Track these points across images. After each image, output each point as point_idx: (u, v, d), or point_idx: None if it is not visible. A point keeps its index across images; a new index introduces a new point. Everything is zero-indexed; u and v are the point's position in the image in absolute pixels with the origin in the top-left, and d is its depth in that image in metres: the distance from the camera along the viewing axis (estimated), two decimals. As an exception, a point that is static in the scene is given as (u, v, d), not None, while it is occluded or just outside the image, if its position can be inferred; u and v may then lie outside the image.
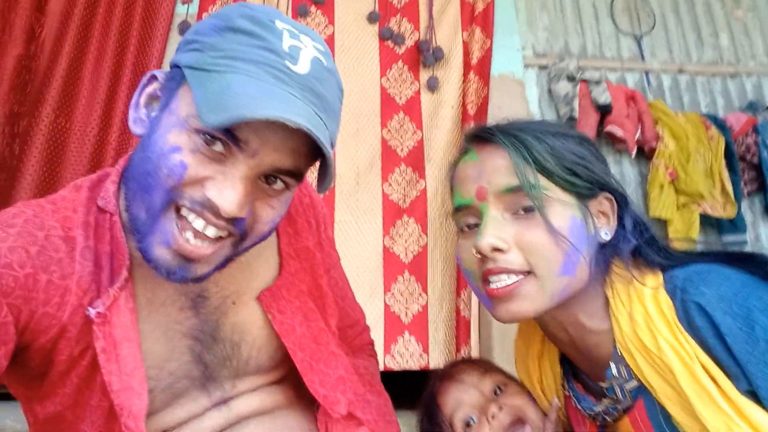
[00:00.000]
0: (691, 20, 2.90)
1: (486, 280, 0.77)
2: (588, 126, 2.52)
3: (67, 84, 2.15)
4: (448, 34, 2.53)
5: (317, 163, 0.68)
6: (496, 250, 0.74)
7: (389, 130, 2.40)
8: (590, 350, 0.81)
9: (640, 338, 0.73)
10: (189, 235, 0.63)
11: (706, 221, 2.56)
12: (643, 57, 2.79)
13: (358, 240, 2.27)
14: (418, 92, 2.46)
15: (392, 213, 2.32)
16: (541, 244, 0.73)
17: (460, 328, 2.27)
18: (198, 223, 0.63)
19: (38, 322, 0.63)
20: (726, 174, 2.61)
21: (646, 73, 2.77)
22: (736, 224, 2.58)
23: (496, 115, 2.52)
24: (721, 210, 2.54)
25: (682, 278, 0.73)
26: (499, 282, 0.75)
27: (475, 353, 2.31)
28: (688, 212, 2.56)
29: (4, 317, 0.60)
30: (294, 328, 0.79)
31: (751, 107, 2.79)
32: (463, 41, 2.53)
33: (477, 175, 0.79)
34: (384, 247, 2.28)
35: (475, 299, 2.38)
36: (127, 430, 0.63)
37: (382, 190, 2.33)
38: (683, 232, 2.54)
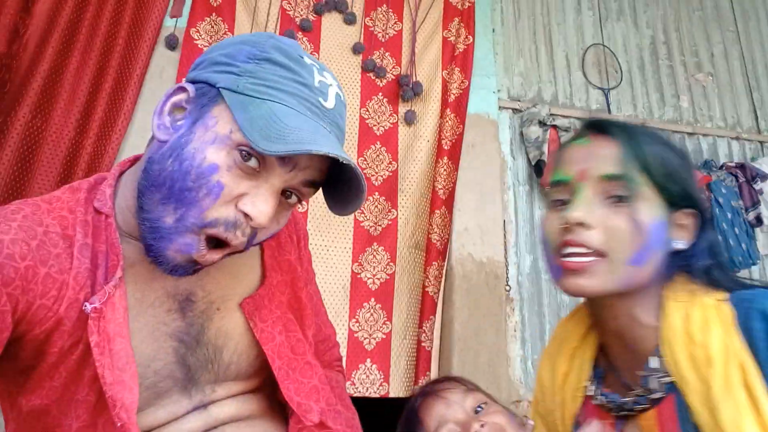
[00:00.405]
0: (655, 80, 3.08)
1: (561, 253, 0.82)
2: (555, 170, 2.63)
3: (46, 86, 2.14)
4: (429, 71, 2.62)
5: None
6: (582, 224, 0.80)
7: (365, 159, 2.46)
8: (634, 342, 0.85)
9: (690, 333, 0.77)
10: (211, 252, 0.69)
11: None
12: (609, 109, 2.94)
13: (327, 264, 2.29)
14: (396, 124, 2.53)
15: (363, 240, 2.35)
16: (622, 232, 0.79)
17: (420, 358, 2.30)
18: (226, 236, 0.68)
19: (35, 314, 0.65)
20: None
21: (612, 125, 2.92)
22: (687, 275, 2.70)
23: (469, 153, 2.61)
24: (675, 260, 2.67)
25: (750, 293, 0.78)
26: (574, 257, 0.81)
27: (433, 384, 2.34)
28: (644, 260, 2.67)
29: (3, 306, 0.61)
30: (274, 337, 0.82)
31: (706, 166, 2.95)
32: (443, 79, 2.63)
33: (583, 158, 0.84)
34: (352, 272, 2.31)
35: (437, 331, 2.42)
36: (119, 422, 0.64)
37: (354, 216, 2.37)
38: (638, 278, 2.65)
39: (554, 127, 2.70)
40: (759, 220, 2.83)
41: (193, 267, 0.70)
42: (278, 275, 0.88)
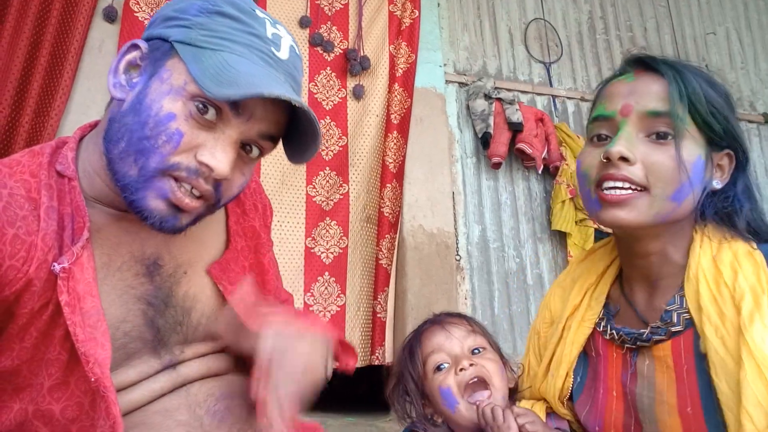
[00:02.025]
0: (593, 54, 3.19)
1: (600, 186, 0.83)
2: (501, 142, 2.71)
3: (-23, 60, 2.03)
4: (376, 46, 2.63)
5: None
6: (623, 159, 0.81)
7: (316, 134, 2.46)
8: (660, 278, 0.87)
9: (718, 271, 0.80)
10: (184, 191, 0.70)
11: (599, 236, 2.81)
12: (551, 83, 3.04)
13: (280, 239, 2.30)
14: (345, 99, 2.54)
15: (315, 214, 2.37)
16: (665, 168, 0.80)
17: (375, 329, 2.35)
18: (187, 187, 0.70)
19: (4, 275, 0.65)
20: (618, 194, 2.89)
21: (554, 98, 3.02)
22: (624, 240, 2.85)
23: (417, 126, 2.65)
24: (613, 227, 2.81)
25: None
26: (615, 190, 0.82)
27: (389, 355, 2.40)
28: (585, 227, 2.80)
29: None
30: (243, 296, 0.84)
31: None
32: (390, 53, 2.65)
33: (627, 93, 0.84)
34: (306, 247, 2.32)
35: (391, 302, 2.48)
36: (93, 377, 0.65)
37: (306, 191, 2.38)
38: (580, 244, 2.78)
39: (499, 100, 2.77)
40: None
41: (178, 218, 0.71)
42: (242, 240, 0.90)
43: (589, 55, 3.18)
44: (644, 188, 0.81)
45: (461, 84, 2.85)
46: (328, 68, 2.55)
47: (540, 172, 2.82)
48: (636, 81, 0.85)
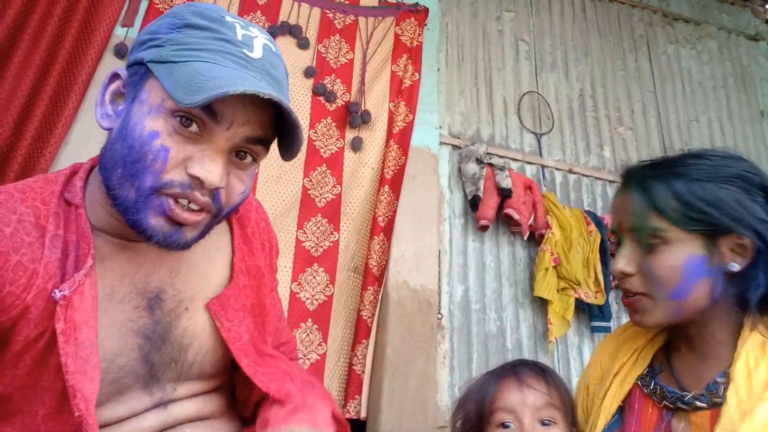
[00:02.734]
0: (582, 129, 3.32)
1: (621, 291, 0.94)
2: (489, 206, 2.77)
3: (-16, 82, 2.06)
4: (377, 101, 2.72)
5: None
6: (624, 274, 0.91)
7: (311, 180, 2.50)
8: (705, 354, 0.90)
9: (751, 380, 0.82)
10: (181, 206, 0.70)
11: (580, 306, 2.84)
12: (541, 153, 3.13)
13: (266, 281, 2.29)
14: (342, 149, 2.60)
15: (303, 260, 2.38)
16: (657, 275, 0.87)
17: (351, 382, 2.33)
18: (184, 202, 0.70)
19: (3, 301, 0.65)
20: (599, 266, 2.94)
21: (543, 168, 3.11)
22: (603, 312, 2.89)
23: (409, 183, 2.70)
24: (593, 298, 2.85)
25: None
26: (627, 295, 0.92)
27: (363, 409, 2.36)
28: (566, 296, 2.84)
29: None
30: (240, 336, 0.83)
31: (624, 211, 3.19)
32: (389, 110, 2.73)
33: (619, 211, 0.94)
34: (291, 292, 2.32)
35: (370, 355, 2.46)
36: (78, 412, 0.64)
37: (296, 236, 2.40)
38: (560, 313, 2.81)
39: (490, 165, 2.85)
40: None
41: (182, 232, 0.71)
42: (246, 279, 0.89)
43: (579, 129, 3.30)
44: (645, 294, 0.90)
45: (455, 146, 2.93)
46: (329, 118, 2.62)
47: (525, 238, 2.87)
48: (622, 197, 0.94)
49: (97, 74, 2.30)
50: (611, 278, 2.99)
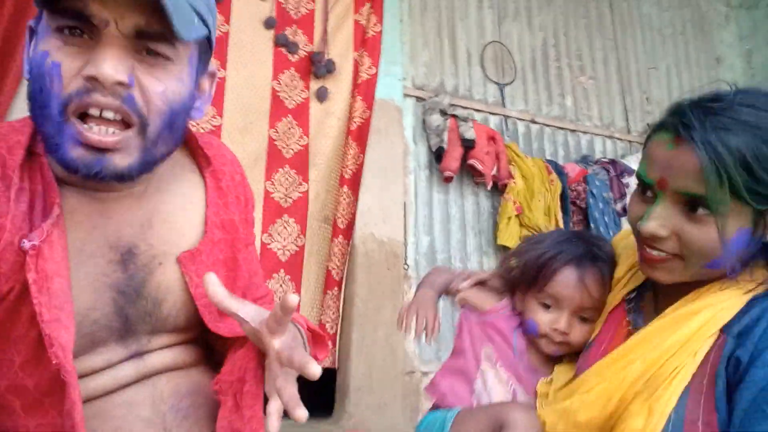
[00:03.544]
0: (545, 79, 3.34)
1: (642, 242, 0.84)
2: (453, 157, 2.79)
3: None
4: (341, 51, 2.68)
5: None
6: (656, 237, 0.80)
7: (277, 131, 2.47)
8: (690, 287, 0.85)
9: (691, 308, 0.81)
10: (92, 125, 0.66)
11: (542, 253, 2.92)
12: (504, 104, 3.15)
13: (234, 236, 2.29)
14: (308, 100, 2.57)
15: (273, 211, 2.38)
16: (699, 244, 0.78)
17: (322, 328, 2.38)
18: (93, 111, 0.66)
19: None
20: (560, 214, 3.03)
21: (505, 118, 3.14)
22: (564, 258, 2.99)
23: (374, 136, 2.70)
24: (555, 244, 2.94)
25: None
26: (653, 252, 0.82)
27: (334, 357, 2.43)
28: (529, 243, 2.92)
29: None
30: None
31: (584, 160, 3.26)
32: (354, 60, 2.70)
33: (666, 165, 0.80)
34: (262, 243, 2.32)
35: (339, 304, 2.51)
36: (56, 360, 0.64)
37: (265, 187, 2.39)
38: (523, 260, 2.90)
39: (454, 116, 2.86)
40: (625, 211, 3.18)
41: (107, 159, 0.67)
42: (219, 233, 0.87)
43: (541, 79, 3.32)
44: (680, 256, 0.81)
45: (419, 98, 2.93)
46: (293, 68, 2.58)
47: (489, 188, 2.92)
48: (674, 151, 0.79)
49: (46, 26, 2.20)
50: (571, 224, 3.09)
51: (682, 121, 0.79)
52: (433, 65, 3.04)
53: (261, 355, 0.78)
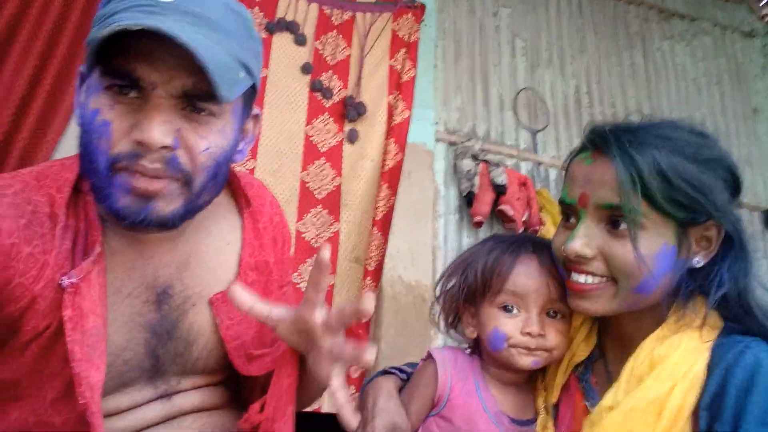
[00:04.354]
0: (577, 126, 3.33)
1: (569, 272, 0.81)
2: (484, 202, 2.79)
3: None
4: (374, 95, 2.73)
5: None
6: (581, 257, 0.77)
7: (309, 174, 2.52)
8: (631, 345, 0.81)
9: (651, 362, 0.76)
10: (139, 177, 0.68)
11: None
12: (536, 150, 3.15)
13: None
14: (341, 143, 2.62)
15: (303, 250, 2.39)
16: (624, 262, 0.75)
17: (347, 373, 2.35)
18: (135, 167, 0.68)
19: (12, 291, 0.65)
20: (592, 262, 2.98)
21: (537, 164, 3.13)
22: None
23: (405, 179, 2.72)
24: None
25: (748, 339, 0.74)
26: (580, 278, 0.79)
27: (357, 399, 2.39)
28: (559, 291, 2.87)
29: None
30: (238, 335, 0.83)
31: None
32: (388, 103, 2.74)
33: (584, 181, 0.80)
34: (293, 283, 2.33)
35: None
36: (83, 400, 0.64)
37: (296, 228, 2.42)
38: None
39: (485, 161, 2.87)
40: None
41: (152, 206, 0.68)
42: (254, 275, 0.87)
43: (574, 126, 3.32)
44: (610, 278, 0.78)
45: (450, 143, 2.94)
46: (326, 114, 2.63)
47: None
48: (592, 165, 0.80)
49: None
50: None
51: (600, 135, 0.80)
52: (466, 110, 3.07)
53: (291, 393, 0.78)
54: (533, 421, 0.92)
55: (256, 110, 0.84)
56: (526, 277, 0.90)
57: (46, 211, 0.70)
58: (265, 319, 0.73)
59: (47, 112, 2.17)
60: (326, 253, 0.67)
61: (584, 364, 0.91)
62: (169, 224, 0.72)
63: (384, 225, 2.59)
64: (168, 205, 0.70)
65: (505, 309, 0.90)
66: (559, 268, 0.86)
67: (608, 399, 0.77)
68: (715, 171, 0.78)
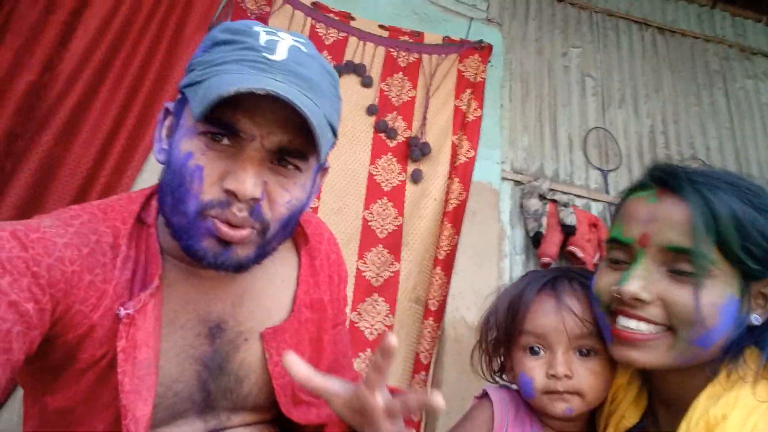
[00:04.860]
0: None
1: (614, 316, 0.74)
2: (552, 243, 2.70)
3: (73, 116, 2.22)
4: (438, 135, 2.73)
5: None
6: (638, 300, 0.71)
7: (371, 213, 2.53)
8: (683, 406, 0.74)
9: (707, 416, 0.69)
10: (225, 224, 0.69)
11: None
12: (607, 190, 3.04)
13: (324, 311, 2.31)
14: (404, 182, 2.62)
15: (363, 289, 2.38)
16: (686, 310, 0.69)
17: (408, 417, 2.28)
18: (225, 216, 0.69)
19: (71, 318, 0.67)
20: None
21: (609, 205, 3.01)
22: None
23: (469, 218, 2.68)
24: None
25: None
26: (630, 324, 0.72)
27: (417, 446, 2.31)
28: (634, 340, 2.70)
29: (44, 305, 0.64)
30: (286, 373, 0.82)
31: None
32: (452, 143, 2.74)
33: (648, 219, 0.74)
34: (350, 321, 2.32)
35: (427, 390, 2.41)
36: None
37: (357, 266, 2.42)
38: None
39: (553, 201, 2.79)
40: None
41: (231, 250, 0.70)
42: (308, 313, 0.87)
43: (647, 164, 3.18)
44: (667, 327, 0.72)
45: (516, 182, 2.89)
46: (390, 153, 2.65)
47: (590, 277, 2.77)
48: (658, 204, 0.74)
49: (174, 109, 2.43)
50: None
51: (668, 173, 0.74)
52: (533, 150, 3.02)
53: None
54: None
55: (327, 163, 0.87)
56: (544, 314, 0.84)
57: (110, 242, 0.72)
58: (320, 391, 0.71)
59: (128, 150, 2.30)
60: (393, 340, 0.64)
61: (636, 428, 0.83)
62: (243, 268, 0.73)
63: (447, 265, 2.54)
64: (243, 251, 0.72)
65: (532, 351, 0.85)
66: (595, 308, 0.79)
67: None
68: None
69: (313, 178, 0.79)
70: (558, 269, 0.93)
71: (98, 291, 0.69)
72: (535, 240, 2.73)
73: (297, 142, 0.70)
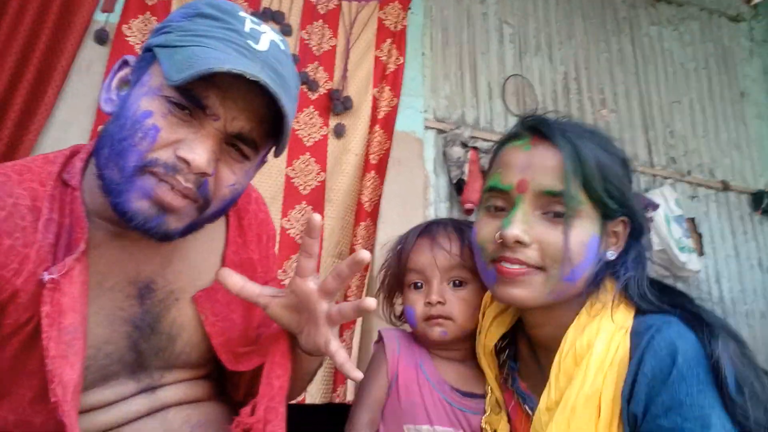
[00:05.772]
0: (566, 113, 3.33)
1: (497, 261, 0.80)
2: (475, 190, 2.78)
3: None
4: (360, 88, 2.70)
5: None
6: (519, 242, 0.77)
7: (294, 169, 2.50)
8: (555, 343, 0.82)
9: (575, 349, 0.78)
10: (166, 188, 0.69)
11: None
12: (525, 136, 3.15)
13: (252, 269, 2.30)
14: (326, 137, 2.59)
15: (288, 247, 2.38)
16: (559, 249, 0.76)
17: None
18: (168, 186, 0.69)
19: None
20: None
21: (527, 151, 3.13)
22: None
23: (394, 168, 2.71)
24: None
25: (658, 320, 0.75)
26: (511, 264, 0.78)
27: (349, 393, 2.39)
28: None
29: None
30: (223, 332, 0.84)
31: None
32: (373, 96, 2.72)
33: (524, 167, 0.79)
34: (277, 279, 2.32)
35: (356, 340, 2.48)
36: (54, 398, 0.63)
37: (281, 224, 2.40)
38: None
39: (475, 148, 2.86)
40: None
41: (164, 218, 0.70)
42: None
43: (563, 113, 3.31)
44: (540, 267, 0.79)
45: (439, 131, 2.94)
46: (312, 107, 2.61)
47: (510, 221, 2.89)
48: (532, 151, 0.80)
49: (77, 61, 2.26)
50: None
51: (542, 123, 0.81)
52: (454, 98, 3.06)
53: (283, 395, 0.79)
54: (481, 396, 0.95)
55: (267, 158, 0.87)
56: (420, 253, 0.98)
57: (28, 204, 0.69)
58: (256, 298, 0.76)
59: (29, 107, 2.14)
60: (317, 218, 0.70)
61: (510, 375, 0.91)
62: (166, 239, 0.73)
63: (373, 215, 2.58)
64: (176, 222, 0.71)
65: (415, 287, 0.97)
66: (478, 259, 0.85)
67: (543, 401, 0.79)
68: (627, 171, 0.83)
69: (255, 168, 0.81)
70: (436, 219, 1.08)
71: (19, 255, 0.66)
72: (458, 187, 2.81)
73: (255, 133, 0.73)
